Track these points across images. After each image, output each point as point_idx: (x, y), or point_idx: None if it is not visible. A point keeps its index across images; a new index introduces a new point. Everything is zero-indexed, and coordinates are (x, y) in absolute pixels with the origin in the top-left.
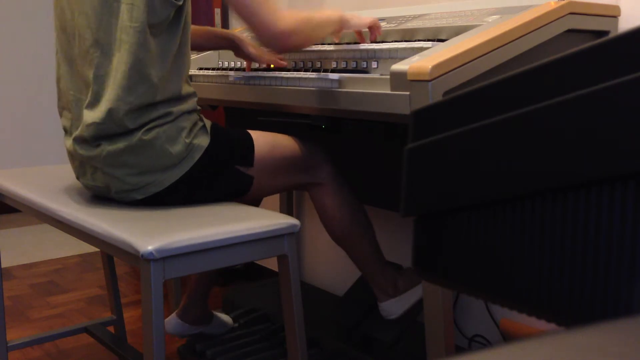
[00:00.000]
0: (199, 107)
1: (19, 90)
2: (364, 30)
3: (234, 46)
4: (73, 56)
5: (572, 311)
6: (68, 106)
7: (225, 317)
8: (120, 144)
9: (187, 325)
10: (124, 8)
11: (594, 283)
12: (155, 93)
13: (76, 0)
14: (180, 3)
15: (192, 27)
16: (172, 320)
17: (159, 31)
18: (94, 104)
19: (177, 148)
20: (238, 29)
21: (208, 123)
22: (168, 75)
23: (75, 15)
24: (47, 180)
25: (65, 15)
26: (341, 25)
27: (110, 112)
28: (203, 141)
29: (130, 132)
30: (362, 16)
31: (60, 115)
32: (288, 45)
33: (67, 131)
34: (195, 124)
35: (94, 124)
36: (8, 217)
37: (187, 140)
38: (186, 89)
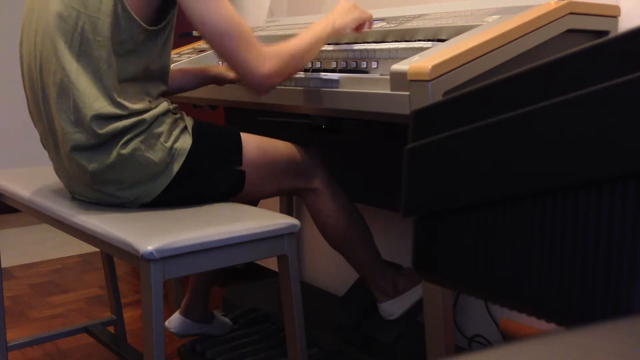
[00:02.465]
0: (172, 106)
1: (19, 90)
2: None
3: (214, 81)
4: (37, 78)
5: (572, 311)
6: (43, 130)
7: (226, 320)
8: (99, 164)
9: (190, 322)
10: (85, 19)
11: (594, 283)
12: (120, 108)
13: (43, 8)
14: (152, 29)
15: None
16: (175, 319)
17: (125, 50)
18: (61, 112)
19: (158, 155)
20: None
21: (190, 122)
22: (132, 94)
23: (41, 19)
24: (47, 180)
25: (32, 18)
26: (336, 34)
27: (79, 120)
28: (185, 144)
29: (104, 143)
30: (354, 11)
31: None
32: (271, 87)
33: (47, 150)
34: (173, 126)
35: (68, 133)
36: (8, 217)
37: (167, 145)
38: (158, 94)
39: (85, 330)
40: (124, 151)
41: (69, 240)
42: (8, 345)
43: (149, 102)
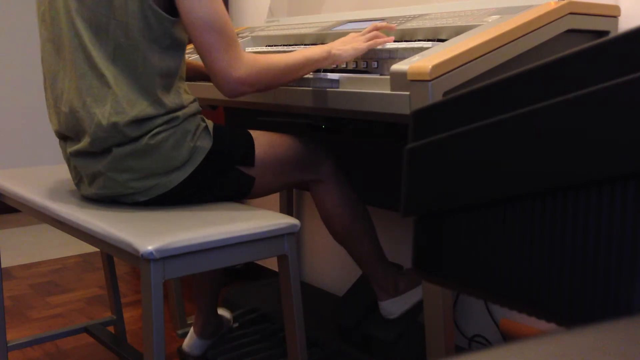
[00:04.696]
0: (200, 108)
1: (19, 90)
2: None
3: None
4: (60, 67)
5: (572, 311)
6: (60, 116)
7: (226, 313)
8: (126, 149)
9: (208, 341)
10: (117, 26)
11: (594, 283)
12: (158, 107)
13: (68, 17)
14: (177, 19)
15: None
16: (194, 343)
17: (161, 47)
18: (92, 117)
19: (181, 152)
20: (238, 29)
21: (210, 124)
22: (171, 88)
23: (65, 28)
24: (47, 180)
25: (54, 28)
26: (331, 61)
27: (114, 125)
28: (206, 143)
29: (135, 139)
30: (355, 42)
31: (51, 119)
32: (242, 93)
33: (62, 138)
34: (198, 126)
35: (98, 139)
36: (8, 217)
37: (192, 144)
38: (187, 97)
39: (85, 330)
40: (152, 141)
41: (69, 240)
42: (8, 345)
43: (185, 92)
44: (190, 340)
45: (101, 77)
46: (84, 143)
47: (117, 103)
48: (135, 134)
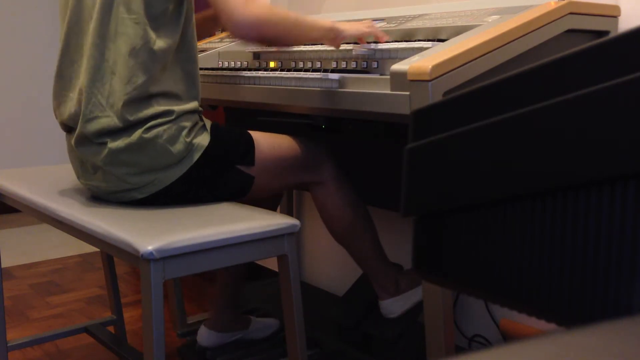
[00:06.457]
0: (201, 109)
1: (18, 90)
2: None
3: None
4: (73, 48)
5: (572, 311)
6: (66, 103)
7: (270, 320)
8: (121, 142)
9: (216, 333)
10: (120, 2)
11: (594, 283)
12: (152, 85)
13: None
14: None
15: None
16: (203, 333)
17: (158, 24)
18: (90, 97)
19: (177, 147)
20: None
21: (208, 123)
22: (168, 69)
23: (75, 5)
24: (47, 180)
25: (67, 7)
26: (334, 33)
27: (111, 104)
28: (203, 140)
29: (130, 127)
30: (355, 24)
31: (56, 112)
32: (251, 35)
33: (68, 131)
34: (195, 124)
35: (92, 119)
36: (8, 217)
37: (188, 140)
38: (189, 88)
39: (85, 330)
40: (147, 135)
41: (69, 240)
42: (8, 345)
43: (185, 84)
44: (200, 330)
45: (102, 56)
46: (79, 126)
47: (115, 81)
48: (130, 117)
